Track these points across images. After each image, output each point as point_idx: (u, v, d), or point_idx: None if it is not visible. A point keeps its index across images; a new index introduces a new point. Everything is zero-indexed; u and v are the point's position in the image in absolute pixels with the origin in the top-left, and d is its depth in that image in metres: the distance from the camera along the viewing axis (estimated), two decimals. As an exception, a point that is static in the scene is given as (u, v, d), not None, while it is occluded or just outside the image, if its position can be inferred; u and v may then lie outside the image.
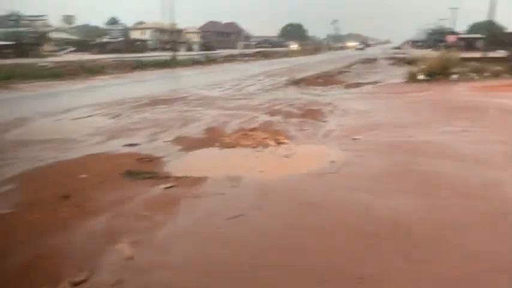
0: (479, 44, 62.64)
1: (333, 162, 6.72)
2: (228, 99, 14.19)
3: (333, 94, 16.98)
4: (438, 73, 20.80)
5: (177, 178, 6.04)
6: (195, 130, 9.13)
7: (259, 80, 22.69)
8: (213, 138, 8.45)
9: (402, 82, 21.02)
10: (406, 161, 6.42)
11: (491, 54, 36.56)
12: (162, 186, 5.75)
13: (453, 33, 68.48)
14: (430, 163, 6.22)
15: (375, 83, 22.50)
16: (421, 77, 20.47)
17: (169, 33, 51.17)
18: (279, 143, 8.07)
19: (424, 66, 21.50)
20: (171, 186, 5.74)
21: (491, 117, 9.22)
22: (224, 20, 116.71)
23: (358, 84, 21.89)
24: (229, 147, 7.83)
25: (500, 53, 39.77)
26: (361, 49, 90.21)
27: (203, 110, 11.63)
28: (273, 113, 11.03)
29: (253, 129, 9.08)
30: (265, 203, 4.94)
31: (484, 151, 6.62)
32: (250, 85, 19.56)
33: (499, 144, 7.00)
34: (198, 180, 5.89)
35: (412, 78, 20.68)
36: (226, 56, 50.97)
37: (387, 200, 4.88)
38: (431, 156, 6.58)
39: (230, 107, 12.14)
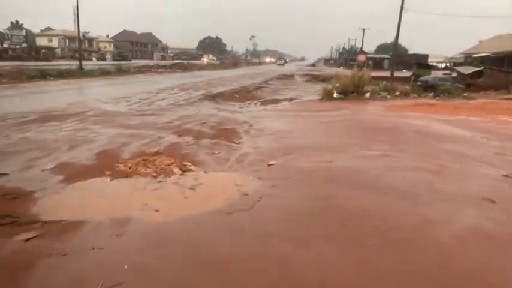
0: (385, 63, 67.05)
1: (245, 195, 5.73)
2: (134, 115, 12.70)
3: (249, 111, 16.24)
4: (352, 91, 21.13)
5: (45, 224, 4.64)
6: (84, 154, 7.62)
7: (173, 93, 21.30)
8: (105, 164, 7.05)
9: (318, 99, 21.01)
10: (327, 193, 5.63)
11: (397, 74, 38.73)
12: (23, 236, 4.33)
13: (363, 52, 72.44)
14: (353, 196, 5.48)
15: (292, 99, 22.30)
16: (336, 95, 20.60)
17: (79, 41, 47.47)
18: (185, 171, 6.92)
19: (338, 85, 21.74)
20: (33, 237, 4.34)
21: (407, 140, 8.93)
22: (141, 30, 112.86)
23: (275, 101, 21.51)
24: (123, 177, 6.50)
25: (405, 73, 42.62)
26: (282, 64, 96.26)
27: (100, 128, 10.06)
28: (182, 133, 9.83)
29: (157, 153, 7.82)
30: (155, 263, 3.75)
31: (407, 181, 6.06)
32: (162, 99, 18.14)
33: (420, 172, 6.52)
34: (73, 227, 4.55)
35: (327, 96, 20.75)
36: (140, 67, 48.52)
37: (309, 251, 3.95)
38: (353, 186, 5.86)
39: (133, 125, 10.71)
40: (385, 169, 6.67)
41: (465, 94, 21.30)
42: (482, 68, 34.07)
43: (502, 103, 18.22)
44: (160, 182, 6.33)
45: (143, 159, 7.35)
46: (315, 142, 8.88)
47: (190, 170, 6.98)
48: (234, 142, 9.13)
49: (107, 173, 6.66)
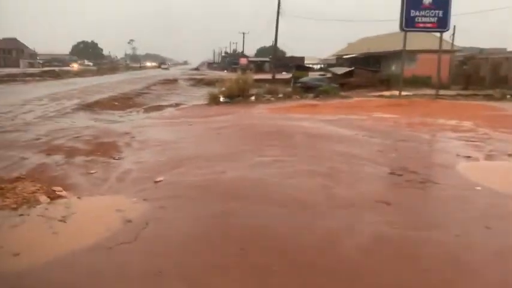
0: (266, 66, 69.44)
1: (129, 222, 4.93)
2: (-10, 132, 10.77)
3: (131, 120, 15.07)
4: (237, 95, 21.08)
5: None
6: None
7: (42, 104, 18.94)
8: None
9: (204, 104, 20.53)
10: (223, 211, 5.09)
11: (278, 76, 40.18)
12: None
13: (245, 56, 74.12)
14: (251, 212, 5.03)
15: (177, 105, 21.48)
16: (222, 99, 20.34)
17: None
18: (53, 198, 5.82)
19: (224, 89, 21.53)
20: None
21: (297, 143, 8.86)
22: (2, 36, 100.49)
23: (159, 107, 20.48)
24: (-31, 214, 5.20)
25: (285, 75, 44.44)
26: (167, 68, 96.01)
27: None
28: (50, 151, 8.48)
29: (17, 179, 6.52)
30: None
31: (304, 188, 5.82)
32: (28, 112, 15.93)
33: (314, 177, 6.36)
34: None
35: (213, 101, 20.39)
36: (2, 76, 42.94)
37: (207, 289, 3.36)
38: (250, 200, 5.42)
39: (-11, 145, 8.99)
40: (281, 176, 6.37)
41: (342, 93, 22.67)
42: (353, 68, 36.98)
43: (374, 100, 19.73)
44: (21, 215, 5.18)
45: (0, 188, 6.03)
46: (206, 151, 8.31)
47: (60, 197, 5.90)
48: (114, 158, 8.12)
49: None
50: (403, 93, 22.91)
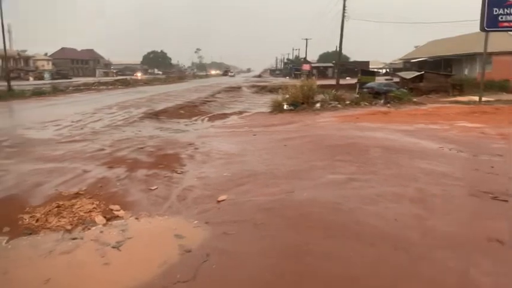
0: (329, 72, 67.91)
1: (188, 252, 4.37)
2: (60, 142, 10.90)
3: (195, 129, 14.82)
4: (301, 102, 20.30)
5: None
6: (-23, 203, 5.91)
7: (111, 113, 19.42)
8: (5, 216, 5.41)
9: (267, 112, 19.97)
10: (297, 244, 4.36)
11: (342, 81, 38.80)
12: None
13: (307, 62, 73.03)
14: (330, 249, 4.26)
15: (241, 112, 21.11)
16: (286, 107, 19.67)
17: (13, 60, 43.90)
18: (110, 219, 5.44)
19: (287, 96, 20.85)
20: None
21: (374, 158, 7.91)
22: (81, 47, 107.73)
23: (223, 115, 20.23)
24: (25, 234, 4.94)
25: (349, 80, 42.91)
26: (233, 76, 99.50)
27: (11, 164, 8.26)
28: (113, 164, 8.26)
29: (76, 195, 6.25)
30: None
31: (391, 219, 4.92)
32: (97, 120, 16.28)
33: (401, 203, 5.44)
34: None
35: (277, 108, 19.78)
36: (79, 85, 45.48)
37: None
38: (327, 231, 4.65)
39: (56, 156, 8.98)
40: (360, 200, 5.52)
41: (415, 99, 21.10)
42: (423, 72, 34.82)
43: (452, 107, 18.03)
44: (75, 239, 4.83)
45: (57, 206, 5.76)
46: (272, 166, 7.64)
47: (117, 217, 5.51)
48: (176, 171, 7.69)
49: (5, 229, 5.05)
50: (483, 99, 20.89)
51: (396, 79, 35.84)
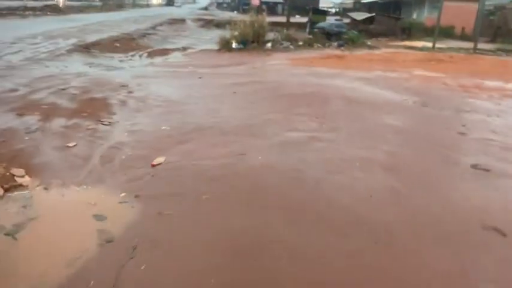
0: (279, 8, 65.31)
1: (109, 242, 3.28)
2: (-40, 78, 8.96)
3: (131, 67, 13.09)
4: (252, 41, 18.85)
5: None
6: None
7: (34, 43, 16.87)
8: None
9: (214, 50, 18.38)
10: (250, 235, 3.38)
11: (292, 20, 37.19)
12: None
13: (257, -3, 69.58)
14: (293, 242, 3.32)
15: (185, 49, 19.31)
16: (235, 45, 18.15)
17: None
18: (8, 189, 4.14)
19: (236, 33, 19.22)
20: None
21: (336, 111, 6.99)
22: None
23: (165, 51, 18.38)
24: None
25: (298, 18, 41.28)
26: (179, 6, 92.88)
27: None
28: (25, 109, 6.72)
29: (-33, 155, 4.81)
30: None
31: (364, 195, 4.04)
32: (16, 52, 13.97)
33: (372, 173, 4.59)
34: None
35: (225, 46, 18.21)
36: (0, 9, 40.13)
37: None
38: (287, 215, 3.69)
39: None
40: (325, 167, 4.61)
41: (369, 43, 20.33)
42: (374, 14, 34.12)
43: (407, 53, 17.47)
44: (-49, 223, 3.53)
45: None
46: (219, 119, 6.50)
47: (19, 186, 4.22)
48: (103, 122, 6.33)
49: None
50: (434, 45, 20.60)
51: (347, 20, 34.84)
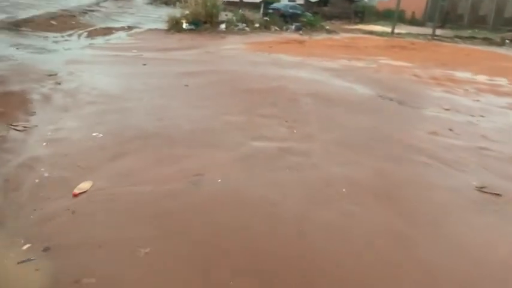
0: (232, -12, 63.21)
1: None
2: None
3: (66, 49, 11.42)
4: (204, 21, 17.44)
5: None
6: None
7: (-49, 18, 14.60)
8: None
9: (163, 30, 16.82)
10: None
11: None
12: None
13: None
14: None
15: (130, 28, 17.55)
16: (186, 25, 16.68)
17: None
18: None
19: (187, 12, 17.71)
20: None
21: (306, 112, 5.94)
22: None
23: (107, 30, 16.58)
24: None
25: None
26: None
27: None
28: None
29: None
30: None
31: (361, 241, 3.06)
32: None
33: (371, 204, 3.61)
34: None
35: (175, 27, 16.71)
36: None
37: None
38: (262, 282, 2.64)
39: None
40: (307, 198, 3.57)
41: (327, 27, 19.48)
42: (327, -4, 33.65)
43: (368, 39, 16.79)
44: None
45: None
46: (167, 121, 5.29)
47: None
48: (15, 128, 4.93)
49: None
50: (387, 29, 20.20)
51: (300, 1, 33.95)
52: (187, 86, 6.95)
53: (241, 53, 10.92)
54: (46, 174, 3.83)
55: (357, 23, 31.13)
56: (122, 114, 5.53)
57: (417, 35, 19.39)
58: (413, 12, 32.67)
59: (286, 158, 4.31)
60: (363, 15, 35.03)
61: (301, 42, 14.02)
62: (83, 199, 3.46)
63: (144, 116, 5.44)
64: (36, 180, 3.72)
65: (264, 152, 4.44)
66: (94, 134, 4.79)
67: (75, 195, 3.51)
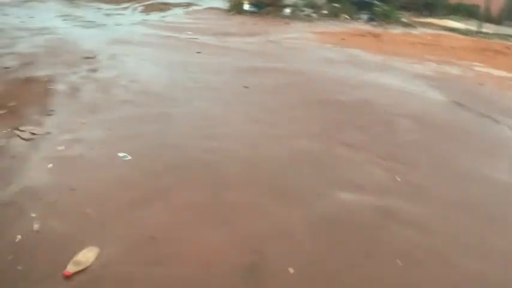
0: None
1: None
2: None
3: (117, 24, 10.30)
4: (267, 3, 15.87)
5: None
6: None
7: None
8: None
9: (222, 10, 15.44)
10: None
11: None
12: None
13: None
14: None
15: (189, 5, 16.32)
16: (247, 6, 15.21)
17: None
18: None
19: (250, -8, 16.19)
20: None
21: (409, 144, 4.28)
22: None
23: (164, 5, 15.43)
24: None
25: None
26: None
27: None
28: None
29: None
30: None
31: None
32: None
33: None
34: None
35: (235, 8, 15.28)
36: None
37: None
38: None
39: None
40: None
41: (403, 20, 17.34)
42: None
43: (450, 37, 14.58)
44: None
45: None
46: (222, 141, 3.90)
47: None
48: (21, 134, 3.73)
49: None
50: (468, 26, 17.80)
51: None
52: (247, 88, 5.51)
53: (309, 45, 9.32)
54: (36, 227, 2.57)
55: (426, 16, 28.34)
56: (161, 123, 4.20)
57: (506, 36, 16.85)
58: (488, 8, 29.35)
59: (390, 230, 2.81)
60: (432, 7, 31.99)
61: (376, 36, 12.17)
62: (81, 282, 2.17)
63: (189, 131, 4.09)
64: (18, 238, 2.46)
65: (355, 215, 2.96)
66: (120, 155, 3.49)
67: (68, 277, 2.22)
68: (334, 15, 16.29)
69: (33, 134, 3.71)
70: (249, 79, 5.89)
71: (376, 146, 4.05)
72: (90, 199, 2.88)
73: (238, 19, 13.53)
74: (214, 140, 3.88)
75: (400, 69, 7.57)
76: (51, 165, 3.26)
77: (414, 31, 15.27)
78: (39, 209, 2.73)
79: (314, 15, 15.93)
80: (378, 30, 13.98)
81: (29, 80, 4.99)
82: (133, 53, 7.06)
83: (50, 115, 4.15)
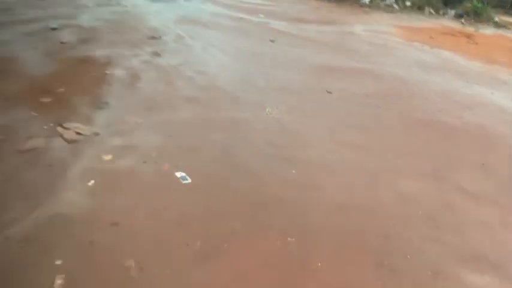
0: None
1: None
2: None
3: (187, 0, 9.58)
4: (345, -12, 14.59)
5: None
6: None
7: None
8: None
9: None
10: None
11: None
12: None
13: None
14: None
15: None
16: (323, -10, 14.02)
17: None
18: None
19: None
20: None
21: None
22: None
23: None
24: None
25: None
26: None
27: None
28: None
29: None
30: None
31: None
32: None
33: None
34: None
35: (311, -10, 14.13)
36: None
37: None
38: None
39: None
40: None
41: (496, 19, 15.45)
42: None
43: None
44: None
45: None
46: (302, 171, 3.07)
47: None
48: (63, 133, 3.09)
49: None
50: None
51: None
52: (330, 93, 4.60)
53: (394, 41, 8.16)
54: (58, 283, 1.89)
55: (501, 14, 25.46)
56: (230, 132, 3.44)
57: None
58: None
59: None
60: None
61: (468, 36, 10.70)
62: None
63: (263, 148, 3.29)
64: None
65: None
66: (178, 175, 2.76)
67: None
68: (418, 7, 14.73)
69: (78, 133, 3.07)
70: (331, 81, 4.96)
71: (503, 196, 3.07)
72: (134, 244, 2.18)
73: (313, 3, 12.45)
74: (295, 167, 3.06)
75: (506, 83, 6.31)
76: (92, 181, 2.59)
77: (509, 33, 13.49)
78: (67, 253, 2.06)
79: (396, 6, 14.48)
80: (469, 29, 12.39)
81: (84, 61, 4.39)
82: (201, 36, 6.32)
83: (101, 108, 3.51)
